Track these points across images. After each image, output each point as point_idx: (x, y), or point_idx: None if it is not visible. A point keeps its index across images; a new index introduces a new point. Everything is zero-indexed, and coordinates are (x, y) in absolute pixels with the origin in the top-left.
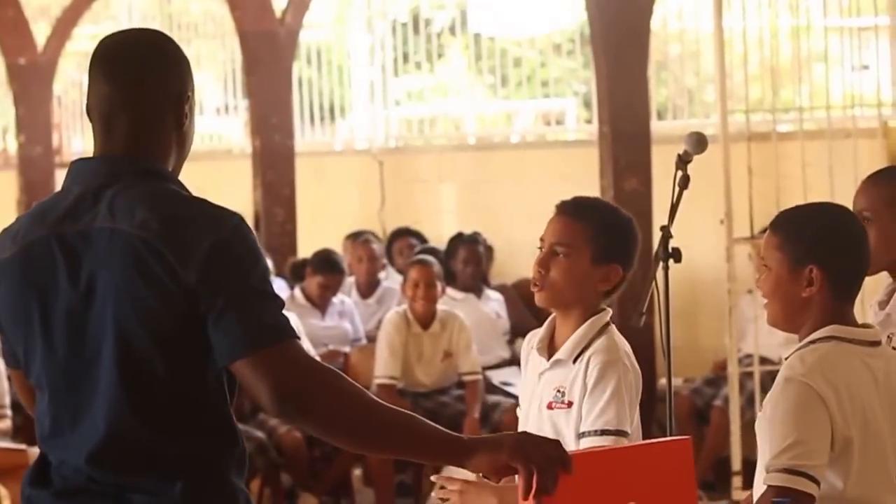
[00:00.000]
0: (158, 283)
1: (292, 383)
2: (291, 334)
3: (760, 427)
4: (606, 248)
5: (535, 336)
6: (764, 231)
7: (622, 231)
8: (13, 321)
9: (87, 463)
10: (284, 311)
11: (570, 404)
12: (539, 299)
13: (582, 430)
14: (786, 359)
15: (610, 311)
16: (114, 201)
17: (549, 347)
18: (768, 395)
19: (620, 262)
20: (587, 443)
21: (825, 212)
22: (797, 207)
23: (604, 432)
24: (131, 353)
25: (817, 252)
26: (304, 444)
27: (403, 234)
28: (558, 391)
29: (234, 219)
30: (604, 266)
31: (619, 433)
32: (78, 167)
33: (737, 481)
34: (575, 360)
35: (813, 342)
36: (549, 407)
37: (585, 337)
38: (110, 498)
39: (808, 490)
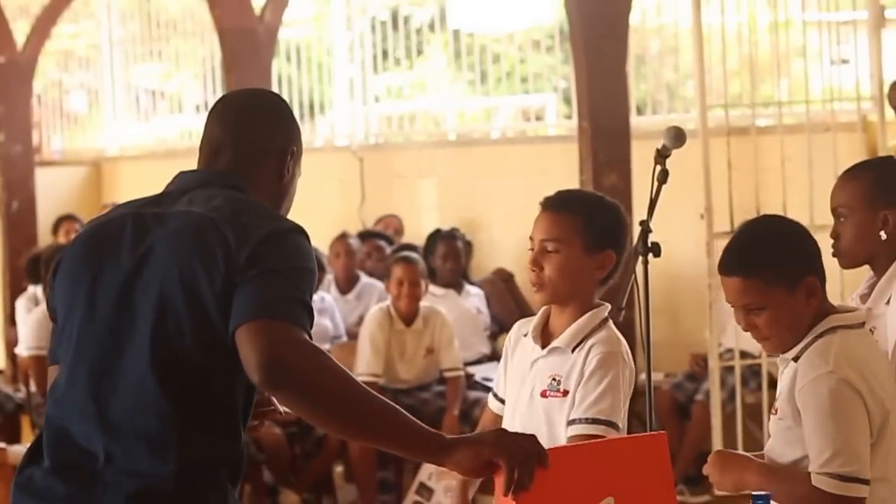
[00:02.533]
0: (210, 257)
1: (281, 352)
2: (302, 325)
3: (783, 428)
4: (597, 236)
5: (527, 324)
6: None
7: (610, 216)
8: (66, 286)
9: (98, 427)
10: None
11: (565, 393)
12: (540, 299)
13: (573, 417)
14: (794, 360)
15: (609, 306)
16: (196, 196)
17: (543, 336)
18: (785, 398)
19: (613, 248)
20: (576, 430)
21: (773, 226)
22: (742, 244)
23: (595, 421)
24: (167, 320)
25: (806, 264)
26: (286, 440)
27: (371, 236)
28: (553, 379)
29: (299, 228)
30: (598, 254)
31: (610, 424)
32: (178, 177)
33: None
34: (574, 350)
35: (819, 336)
36: (543, 395)
37: (586, 328)
38: (99, 476)
39: (860, 495)
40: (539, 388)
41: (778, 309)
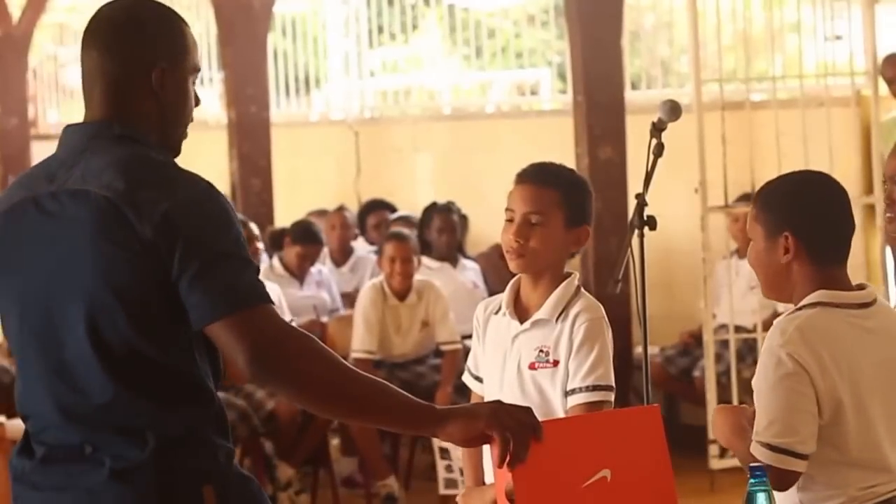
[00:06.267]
0: (119, 242)
1: (268, 345)
2: (266, 299)
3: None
4: (576, 210)
5: (493, 303)
6: (738, 200)
7: (585, 192)
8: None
9: (63, 420)
10: (262, 279)
11: (555, 363)
12: (518, 265)
13: (571, 386)
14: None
15: (578, 274)
16: (88, 164)
17: (518, 310)
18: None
19: (588, 223)
20: (578, 398)
21: (798, 179)
22: (776, 178)
23: (595, 388)
24: (96, 312)
25: (789, 219)
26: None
27: (377, 206)
28: (541, 351)
29: (202, 183)
30: (575, 229)
31: (609, 388)
32: (66, 133)
33: (713, 450)
34: (557, 320)
35: (799, 309)
36: (532, 367)
37: (564, 297)
38: (87, 461)
39: (792, 468)
40: (526, 361)
41: (756, 246)
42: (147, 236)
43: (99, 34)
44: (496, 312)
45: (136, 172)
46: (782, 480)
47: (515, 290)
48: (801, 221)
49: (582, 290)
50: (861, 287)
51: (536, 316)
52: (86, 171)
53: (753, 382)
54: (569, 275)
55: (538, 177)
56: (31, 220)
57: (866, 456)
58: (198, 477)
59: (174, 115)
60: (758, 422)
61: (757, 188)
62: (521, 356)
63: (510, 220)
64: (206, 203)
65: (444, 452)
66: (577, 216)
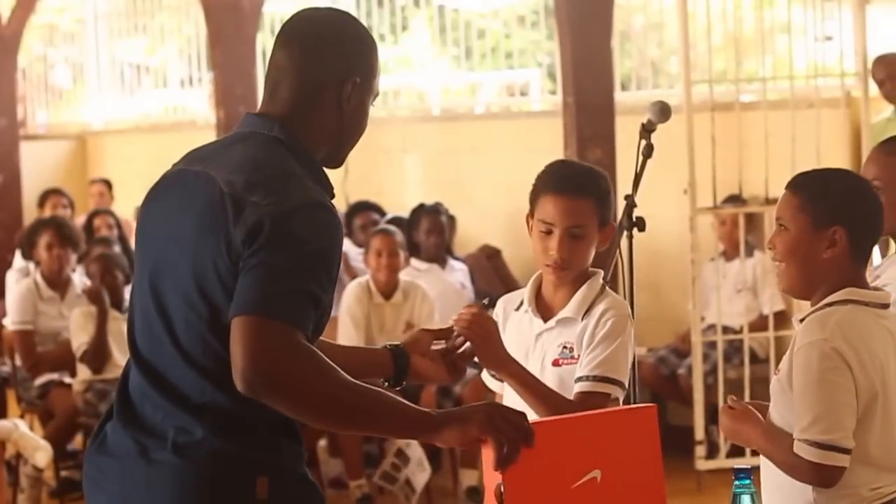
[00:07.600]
0: (215, 236)
1: (268, 363)
2: (297, 324)
3: (780, 389)
4: (606, 212)
5: (515, 299)
6: (727, 200)
7: (609, 189)
8: (136, 246)
9: (148, 386)
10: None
11: (579, 358)
12: (561, 277)
13: (582, 374)
14: (801, 321)
15: (601, 272)
16: (231, 154)
17: (540, 308)
18: (786, 358)
19: (613, 220)
20: (582, 386)
21: (847, 176)
22: (817, 170)
23: (603, 379)
24: (179, 300)
25: (842, 213)
26: None
27: (364, 207)
28: (565, 348)
29: (310, 200)
30: (604, 229)
31: (618, 384)
32: (243, 118)
33: (700, 450)
34: (583, 318)
35: (830, 305)
36: (556, 364)
37: (590, 295)
38: (156, 430)
39: (839, 464)
40: (550, 358)
41: (795, 236)
42: (236, 242)
43: (303, 34)
44: (517, 309)
45: (257, 175)
46: (829, 477)
47: (537, 286)
48: (855, 217)
49: (607, 288)
50: (877, 288)
51: (561, 314)
52: (227, 159)
53: (781, 378)
54: (594, 273)
55: (574, 187)
56: (176, 189)
57: (881, 454)
58: (254, 466)
59: (349, 130)
60: (801, 418)
61: (744, 189)
62: (546, 354)
63: (547, 233)
64: (296, 218)
65: (401, 454)
66: (606, 217)
